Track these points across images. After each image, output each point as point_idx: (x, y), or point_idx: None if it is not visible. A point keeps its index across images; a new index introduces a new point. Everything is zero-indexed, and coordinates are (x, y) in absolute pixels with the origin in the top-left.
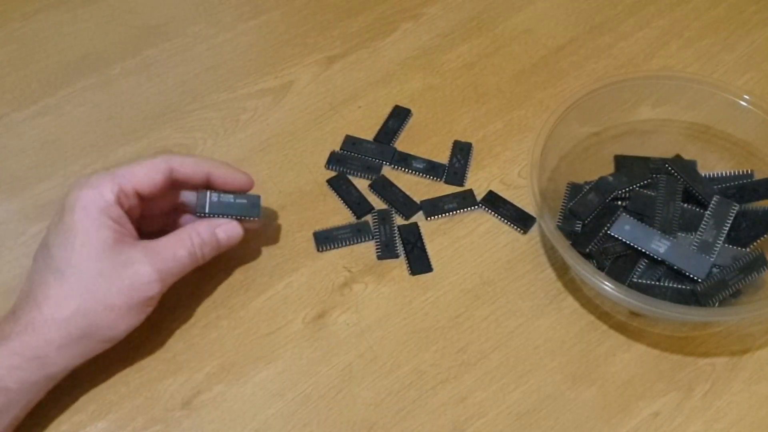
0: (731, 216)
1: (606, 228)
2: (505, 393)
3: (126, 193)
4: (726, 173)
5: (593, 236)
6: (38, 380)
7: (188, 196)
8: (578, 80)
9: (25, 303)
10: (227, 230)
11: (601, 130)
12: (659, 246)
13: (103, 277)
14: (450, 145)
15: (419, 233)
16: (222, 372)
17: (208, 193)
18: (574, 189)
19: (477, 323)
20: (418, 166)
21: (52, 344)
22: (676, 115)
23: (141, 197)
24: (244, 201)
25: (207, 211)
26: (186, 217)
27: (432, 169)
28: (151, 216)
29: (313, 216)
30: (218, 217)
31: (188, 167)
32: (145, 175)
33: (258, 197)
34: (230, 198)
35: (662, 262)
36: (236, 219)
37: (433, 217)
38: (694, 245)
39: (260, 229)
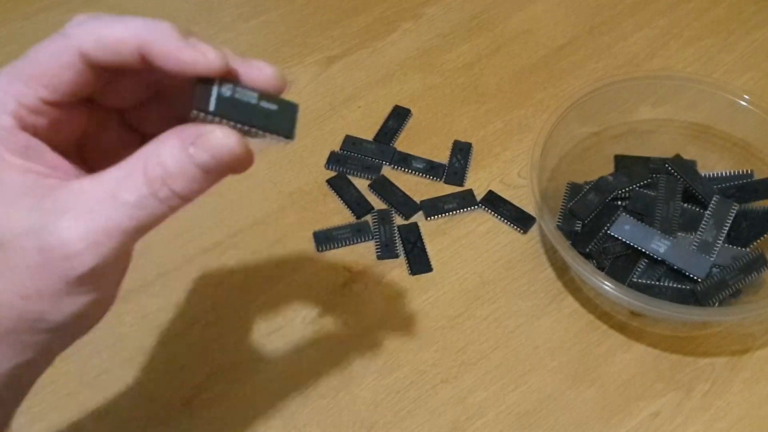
0: (731, 216)
1: (606, 228)
2: (505, 393)
3: (30, 108)
4: (726, 173)
5: (593, 236)
6: None
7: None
8: (578, 80)
9: None
10: (211, 144)
11: (601, 130)
12: (659, 246)
13: (5, 251)
14: (450, 145)
15: (419, 233)
16: (222, 372)
17: (216, 84)
18: (574, 189)
19: (477, 323)
20: (418, 166)
21: None
22: (676, 115)
23: (57, 105)
24: (274, 107)
25: (211, 109)
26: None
27: (432, 169)
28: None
29: (313, 216)
30: (227, 125)
31: (108, 42)
32: (46, 72)
33: (295, 106)
34: (252, 96)
35: (662, 262)
36: (256, 133)
37: (433, 217)
38: (694, 245)
39: (261, 230)
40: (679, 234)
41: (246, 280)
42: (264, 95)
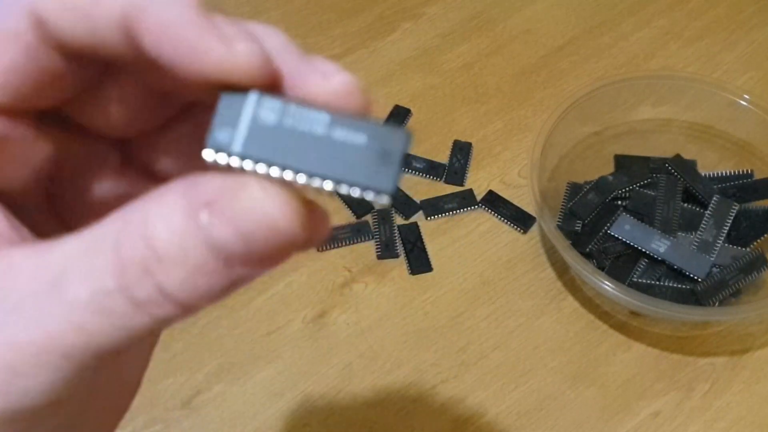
0: (731, 216)
1: (606, 228)
2: (505, 393)
3: None
4: (726, 173)
5: (593, 236)
6: None
7: None
8: (578, 80)
9: None
10: (240, 210)
11: (601, 129)
12: (659, 245)
13: None
14: (450, 144)
15: (419, 233)
16: (222, 372)
17: (251, 99)
18: (574, 189)
19: (477, 323)
20: (418, 165)
21: None
22: (676, 115)
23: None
24: (361, 137)
25: (237, 149)
26: None
27: (432, 169)
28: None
29: None
30: (270, 175)
31: (77, 3)
32: None
33: (406, 136)
34: (318, 120)
35: (662, 262)
36: (326, 190)
37: (433, 217)
38: (694, 245)
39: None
40: (679, 234)
41: None
42: (339, 117)
